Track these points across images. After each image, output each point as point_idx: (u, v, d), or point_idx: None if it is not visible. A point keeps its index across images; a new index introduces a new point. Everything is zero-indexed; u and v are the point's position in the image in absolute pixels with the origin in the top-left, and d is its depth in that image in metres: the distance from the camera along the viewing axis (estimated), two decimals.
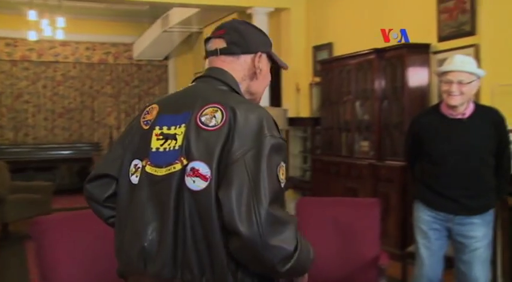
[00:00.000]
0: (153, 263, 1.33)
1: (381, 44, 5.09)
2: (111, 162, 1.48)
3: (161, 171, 1.35)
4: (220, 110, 1.32)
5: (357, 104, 5.48)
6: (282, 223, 1.25)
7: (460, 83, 2.59)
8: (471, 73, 2.61)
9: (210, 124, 1.31)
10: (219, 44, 1.47)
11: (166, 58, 10.83)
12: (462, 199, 2.65)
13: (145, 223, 1.35)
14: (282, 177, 1.31)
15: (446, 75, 2.64)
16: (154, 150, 1.38)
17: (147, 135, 1.41)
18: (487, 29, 4.01)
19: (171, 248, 1.31)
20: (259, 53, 1.48)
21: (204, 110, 1.34)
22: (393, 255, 4.26)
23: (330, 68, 5.89)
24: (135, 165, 1.41)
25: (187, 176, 1.30)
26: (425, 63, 4.76)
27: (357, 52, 5.37)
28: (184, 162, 1.31)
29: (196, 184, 1.29)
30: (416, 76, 4.78)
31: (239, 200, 1.22)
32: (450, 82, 2.61)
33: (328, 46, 6.31)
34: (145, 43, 10.07)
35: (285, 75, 7.04)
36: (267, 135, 1.29)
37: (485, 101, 3.98)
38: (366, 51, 5.20)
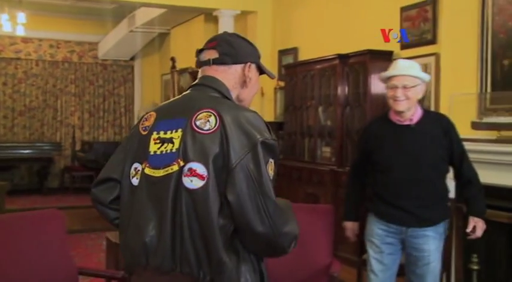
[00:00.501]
0: (153, 257, 1.44)
1: (344, 49, 5.07)
2: (115, 166, 1.59)
3: (159, 172, 1.46)
4: (214, 115, 1.44)
5: (320, 109, 5.44)
6: (286, 213, 1.45)
7: (404, 87, 2.53)
8: (415, 77, 2.56)
9: (205, 128, 1.43)
10: (212, 54, 1.59)
11: (133, 58, 10.63)
12: (414, 209, 2.56)
13: (146, 221, 1.46)
14: (271, 172, 1.44)
15: (390, 80, 2.59)
16: (152, 153, 1.49)
17: (145, 140, 1.53)
18: (447, 38, 4.02)
19: (169, 243, 1.42)
20: (248, 63, 1.60)
21: (198, 115, 1.45)
22: (350, 261, 4.22)
23: (294, 72, 5.84)
24: (135, 168, 1.53)
25: (184, 176, 1.41)
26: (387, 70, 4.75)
27: (321, 57, 5.33)
28: (181, 163, 1.43)
29: (193, 183, 1.40)
30: (379, 83, 4.71)
31: (249, 202, 1.37)
32: (395, 87, 2.55)
33: (294, 50, 6.27)
34: (111, 43, 9.86)
35: None
36: (259, 138, 1.41)
37: (444, 109, 3.99)
38: (330, 57, 5.17)
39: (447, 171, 2.67)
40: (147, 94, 10.56)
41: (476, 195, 2.67)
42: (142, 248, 1.46)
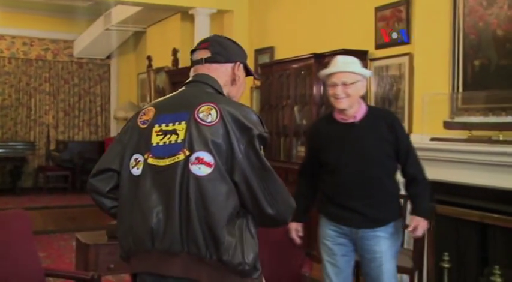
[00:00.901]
0: (161, 241, 1.54)
1: (320, 49, 5.06)
2: (112, 158, 1.68)
3: (164, 162, 1.57)
4: (215, 108, 1.58)
5: (296, 108, 5.43)
6: (284, 189, 1.61)
7: (344, 84, 2.45)
8: (355, 73, 2.48)
9: (208, 120, 1.57)
10: (204, 54, 1.73)
11: (109, 57, 10.49)
12: (364, 209, 2.47)
13: (151, 207, 1.55)
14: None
15: (330, 78, 2.50)
16: (155, 144, 1.60)
17: (146, 133, 1.63)
18: (420, 38, 4.04)
19: (177, 226, 1.53)
20: (238, 63, 1.75)
21: (200, 108, 1.59)
22: None
23: (270, 71, 5.82)
24: (136, 159, 1.62)
25: (192, 164, 1.54)
26: None
27: (297, 56, 5.32)
28: (187, 153, 1.55)
29: (202, 170, 1.53)
30: None
31: (259, 190, 1.55)
32: (334, 85, 2.47)
33: (270, 50, 6.25)
34: (86, 41, 9.71)
35: None
36: (255, 130, 1.57)
37: (417, 108, 4.01)
38: (305, 56, 5.16)
39: (396, 168, 2.58)
40: (123, 93, 10.44)
41: (421, 193, 2.57)
42: (149, 233, 1.55)
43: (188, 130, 1.57)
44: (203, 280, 1.54)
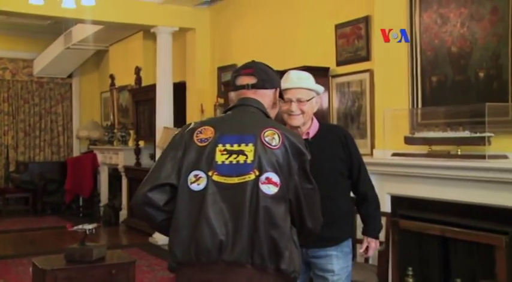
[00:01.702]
0: (229, 252, 1.69)
1: (282, 66, 5.06)
2: (169, 173, 1.80)
3: (232, 180, 1.73)
4: (277, 133, 1.79)
5: None
6: (319, 205, 1.91)
7: (299, 101, 2.37)
8: (309, 89, 2.40)
9: (273, 144, 1.77)
10: (250, 80, 1.93)
11: (70, 76, 10.29)
12: None
13: (219, 221, 1.70)
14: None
15: (284, 94, 2.37)
16: (220, 163, 1.75)
17: (207, 151, 1.77)
18: (380, 55, 4.10)
19: (246, 238, 1.69)
20: (277, 88, 2.00)
21: (265, 132, 1.79)
22: None
23: None
24: (196, 175, 1.76)
25: (262, 183, 1.72)
26: (325, 86, 4.74)
27: None
28: (257, 173, 1.73)
29: (270, 190, 1.73)
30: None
31: (305, 206, 1.82)
32: (289, 101, 2.37)
33: (233, 67, 6.23)
34: (46, 60, 9.51)
35: (189, 95, 6.89)
36: (307, 155, 1.83)
37: (378, 124, 4.05)
38: None
39: (349, 186, 2.54)
40: (86, 112, 10.26)
41: (372, 214, 2.55)
42: (217, 245, 1.70)
43: (256, 152, 1.75)
44: None
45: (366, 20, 4.43)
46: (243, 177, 1.73)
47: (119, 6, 6.27)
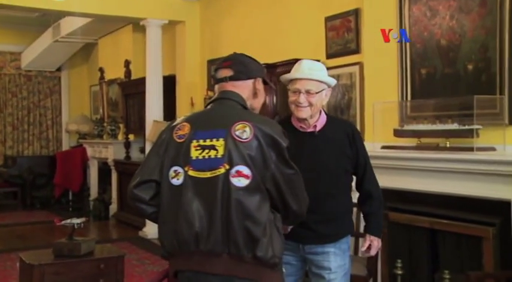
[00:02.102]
0: (205, 243, 1.80)
1: (272, 58, 5.07)
2: (152, 169, 1.90)
3: (205, 174, 1.81)
4: (248, 126, 1.82)
5: None
6: (303, 186, 1.94)
7: (308, 92, 2.29)
8: (320, 81, 2.32)
9: (243, 137, 1.81)
10: (227, 72, 1.98)
11: (59, 69, 10.22)
12: (314, 225, 2.29)
13: (194, 214, 1.80)
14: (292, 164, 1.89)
15: (293, 83, 2.33)
16: (194, 158, 1.83)
17: (184, 147, 1.86)
18: (369, 48, 4.11)
19: (219, 229, 1.78)
20: (257, 78, 2.03)
21: (235, 126, 1.83)
22: None
23: None
24: (175, 170, 1.85)
25: (232, 177, 1.79)
26: None
27: None
28: (227, 167, 1.79)
29: (241, 182, 1.79)
30: None
31: (287, 191, 1.85)
32: (297, 91, 2.30)
33: None
34: (35, 53, 9.44)
35: (179, 89, 6.86)
36: (282, 143, 1.84)
37: (368, 117, 4.06)
38: None
39: (351, 182, 2.48)
40: (75, 106, 10.20)
41: (375, 212, 2.47)
42: (194, 236, 1.80)
43: (227, 146, 1.81)
44: (241, 275, 1.80)
45: (356, 12, 4.44)
46: (214, 171, 1.81)
47: None
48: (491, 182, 3.03)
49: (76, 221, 3.53)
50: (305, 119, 2.35)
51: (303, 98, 2.30)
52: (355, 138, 2.41)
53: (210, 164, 1.82)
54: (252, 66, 2.03)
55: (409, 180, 3.54)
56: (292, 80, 2.35)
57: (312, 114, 2.34)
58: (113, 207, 8.04)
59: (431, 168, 3.37)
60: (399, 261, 3.48)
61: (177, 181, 1.85)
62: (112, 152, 7.96)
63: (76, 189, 8.89)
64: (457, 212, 3.26)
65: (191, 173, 1.83)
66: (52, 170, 9.13)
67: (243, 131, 1.82)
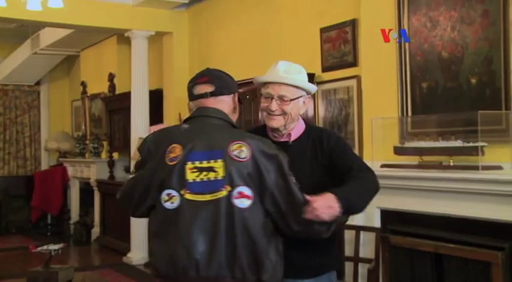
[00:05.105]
0: (206, 269, 1.81)
1: (264, 72, 5.08)
2: (141, 194, 1.95)
3: (205, 197, 1.84)
4: (244, 145, 1.88)
5: None
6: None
7: (281, 99, 2.11)
8: (297, 87, 2.13)
9: (242, 156, 1.86)
10: (207, 88, 2.02)
11: (38, 83, 10.20)
12: (290, 254, 1.99)
13: (193, 239, 1.82)
14: (292, 178, 1.92)
15: (266, 87, 2.15)
16: (191, 181, 1.86)
17: (178, 170, 1.87)
18: (367, 60, 4.12)
19: (223, 253, 1.81)
20: (235, 93, 2.10)
21: (231, 146, 1.87)
22: None
23: None
24: (168, 194, 1.87)
25: (235, 198, 1.84)
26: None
27: (241, 80, 5.29)
28: (228, 188, 1.84)
29: (244, 203, 1.84)
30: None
31: (288, 210, 1.86)
32: (270, 97, 2.12)
33: None
34: (12, 66, 9.43)
35: (166, 104, 6.87)
36: (281, 156, 1.90)
37: (366, 133, 4.06)
38: (250, 80, 5.13)
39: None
40: (55, 122, 10.16)
41: (355, 183, 2.01)
42: (194, 265, 1.82)
43: (226, 167, 1.85)
44: None
45: (353, 23, 4.47)
46: (215, 194, 1.84)
47: (89, 9, 6.24)
48: (499, 203, 3.02)
49: (53, 247, 3.49)
50: (277, 129, 2.17)
51: (275, 105, 2.12)
52: (332, 147, 2.15)
53: (210, 186, 1.85)
54: (230, 81, 2.09)
55: (411, 201, 3.53)
56: (265, 84, 2.17)
57: (285, 124, 2.15)
58: (95, 231, 7.97)
59: (434, 188, 3.37)
60: None
61: (171, 205, 1.87)
62: (95, 171, 7.93)
63: (55, 212, 8.81)
64: (463, 235, 3.24)
65: (188, 196, 1.86)
66: (29, 191, 9.06)
67: (240, 151, 1.87)
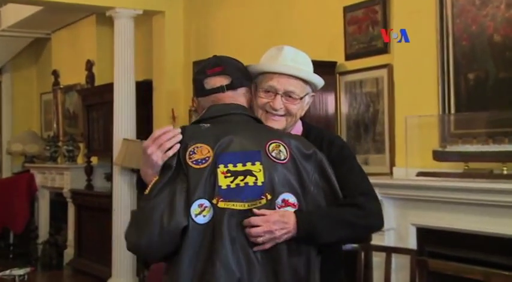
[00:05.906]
0: None
1: None
2: (167, 214, 1.85)
3: (242, 206, 1.87)
4: (282, 145, 1.93)
5: None
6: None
7: (289, 95, 2.06)
8: (306, 82, 2.09)
9: (281, 158, 1.91)
10: (222, 80, 2.02)
11: (0, 72, 10.26)
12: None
13: (232, 256, 1.84)
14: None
15: (267, 79, 2.07)
16: (224, 187, 1.86)
17: (208, 174, 1.86)
18: (401, 46, 4.10)
19: (263, 270, 1.86)
20: (253, 84, 2.11)
21: (268, 146, 1.91)
22: None
23: None
24: (201, 205, 1.85)
25: (278, 207, 1.89)
26: (331, 86, 4.80)
27: None
28: (269, 196, 1.88)
29: None
30: (321, 101, 4.80)
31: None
32: (273, 92, 2.06)
33: None
34: None
35: (157, 98, 6.89)
36: (318, 153, 1.98)
37: (399, 135, 4.06)
38: None
39: None
40: (20, 119, 10.25)
41: (337, 209, 1.99)
42: None
43: (267, 171, 1.88)
44: None
45: (384, 1, 4.47)
46: (253, 203, 1.88)
47: None
48: None
49: (18, 272, 3.51)
50: None
51: (280, 103, 2.06)
52: (333, 158, 2.07)
53: (248, 193, 1.88)
54: (245, 71, 2.11)
55: (455, 218, 3.52)
56: (266, 74, 2.09)
57: (286, 127, 2.12)
58: (69, 253, 7.99)
59: (483, 202, 3.35)
60: None
61: (203, 218, 1.86)
62: (69, 179, 7.96)
63: (19, 230, 8.83)
64: None
65: (222, 204, 1.86)
66: None
67: (279, 151, 1.92)
